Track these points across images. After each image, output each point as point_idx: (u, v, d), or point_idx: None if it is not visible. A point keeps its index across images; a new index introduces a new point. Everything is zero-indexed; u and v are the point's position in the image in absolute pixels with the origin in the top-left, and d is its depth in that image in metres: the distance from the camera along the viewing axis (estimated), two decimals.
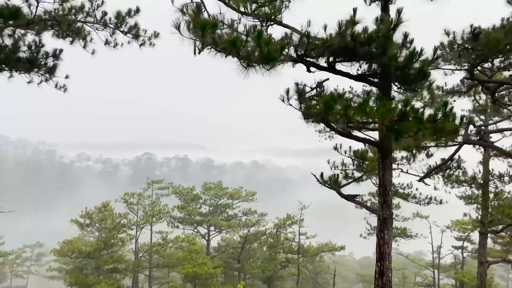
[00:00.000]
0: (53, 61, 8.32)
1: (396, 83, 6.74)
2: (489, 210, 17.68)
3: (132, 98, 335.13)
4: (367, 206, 11.14)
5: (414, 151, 11.03)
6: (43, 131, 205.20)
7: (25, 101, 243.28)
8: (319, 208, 31.58)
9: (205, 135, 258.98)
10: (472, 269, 35.51)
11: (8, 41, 7.73)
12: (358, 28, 5.61)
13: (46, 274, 42.75)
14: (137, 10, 8.51)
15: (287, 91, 5.96)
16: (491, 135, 13.97)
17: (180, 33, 5.04)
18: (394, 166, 13.11)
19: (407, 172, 12.07)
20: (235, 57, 5.28)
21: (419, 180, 11.62)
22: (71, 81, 9.62)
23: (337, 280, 35.35)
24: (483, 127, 13.98)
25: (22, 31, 8.76)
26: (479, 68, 10.09)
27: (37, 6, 7.71)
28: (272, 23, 6.67)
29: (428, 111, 5.98)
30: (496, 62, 10.03)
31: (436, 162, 12.49)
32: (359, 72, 6.68)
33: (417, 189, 19.67)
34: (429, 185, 13.22)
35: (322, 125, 20.86)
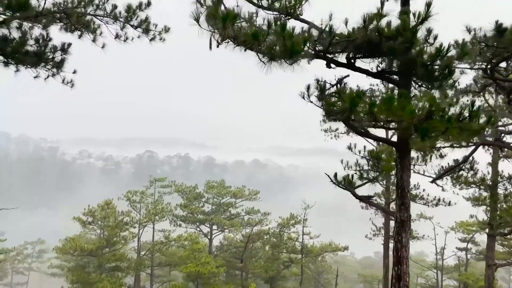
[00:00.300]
0: (61, 55, 8.09)
1: (418, 81, 6.50)
2: (498, 212, 17.42)
3: (133, 98, 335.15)
4: (383, 207, 10.91)
5: (427, 152, 10.79)
6: (44, 129, 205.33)
7: (25, 101, 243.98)
8: (320, 207, 31.34)
9: (206, 134, 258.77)
10: (474, 270, 35.30)
11: (15, 34, 7.49)
12: (382, 22, 5.37)
13: (47, 271, 42.63)
14: (148, 4, 8.27)
15: (308, 88, 5.73)
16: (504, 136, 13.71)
17: (199, 25, 4.81)
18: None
19: (423, 174, 11.81)
20: (255, 51, 5.04)
21: (432, 181, 11.38)
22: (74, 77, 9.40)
23: (339, 280, 35.15)
24: (500, 128, 13.72)
25: (29, 24, 8.53)
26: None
27: None
28: (289, 17, 6.43)
29: (452, 110, 5.75)
30: None
31: (448, 163, 12.25)
32: (379, 68, 6.44)
33: (424, 190, 19.45)
34: (441, 186, 12.97)
35: (329, 124, 20.31)
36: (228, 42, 5.25)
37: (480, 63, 9.88)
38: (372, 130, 7.13)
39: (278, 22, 4.81)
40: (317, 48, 5.79)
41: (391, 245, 25.14)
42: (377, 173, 8.24)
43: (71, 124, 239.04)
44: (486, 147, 16.93)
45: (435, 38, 6.08)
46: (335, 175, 8.50)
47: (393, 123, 6.21)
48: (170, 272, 37.48)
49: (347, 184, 8.37)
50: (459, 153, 12.51)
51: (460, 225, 32.90)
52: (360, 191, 8.88)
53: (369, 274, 45.21)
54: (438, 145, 10.78)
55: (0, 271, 44.60)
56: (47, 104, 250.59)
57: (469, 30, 7.63)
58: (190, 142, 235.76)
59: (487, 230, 19.03)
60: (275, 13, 6.17)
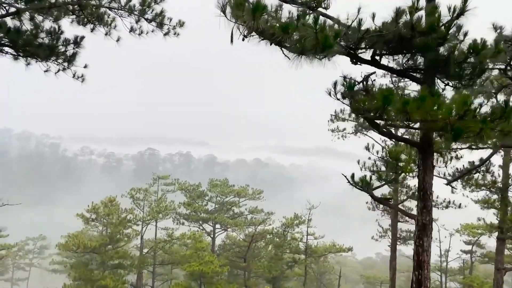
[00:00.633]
0: (73, 48, 7.86)
1: (445, 79, 6.26)
2: (509, 215, 17.16)
3: (134, 96, 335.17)
4: (403, 210, 10.66)
5: (442, 153, 10.55)
6: (46, 125, 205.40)
7: (28, 97, 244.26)
8: (321, 207, 31.13)
9: (208, 132, 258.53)
10: (478, 273, 35.03)
11: (27, 26, 7.27)
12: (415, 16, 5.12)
13: (49, 267, 42.54)
14: None
15: (335, 84, 5.50)
16: None
17: (225, 16, 4.58)
18: None
19: (443, 177, 11.58)
20: (282, 45, 4.81)
21: (447, 184, 11.17)
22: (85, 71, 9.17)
23: (341, 280, 34.97)
24: None
25: (40, 17, 8.31)
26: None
27: None
28: (312, 11, 6.20)
29: (483, 110, 5.52)
30: None
31: (463, 165, 12.03)
32: (406, 66, 6.20)
33: (433, 191, 19.15)
34: (456, 188, 12.75)
35: (336, 124, 19.87)
36: (253, 35, 5.02)
37: (500, 63, 9.64)
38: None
39: (308, 16, 4.58)
40: (343, 44, 5.55)
41: (398, 247, 24.99)
42: (396, 174, 8.00)
43: (73, 120, 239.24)
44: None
45: (465, 34, 5.84)
46: (352, 175, 8.27)
47: (418, 123, 5.97)
48: (172, 270, 37.33)
49: (365, 186, 8.14)
50: (475, 155, 12.30)
51: (465, 227, 32.61)
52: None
53: (372, 275, 44.98)
54: (454, 146, 10.55)
55: (1, 266, 44.49)
56: (50, 101, 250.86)
57: (495, 28, 7.39)
58: (191, 140, 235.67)
59: (496, 234, 18.77)
60: (299, 6, 5.95)
